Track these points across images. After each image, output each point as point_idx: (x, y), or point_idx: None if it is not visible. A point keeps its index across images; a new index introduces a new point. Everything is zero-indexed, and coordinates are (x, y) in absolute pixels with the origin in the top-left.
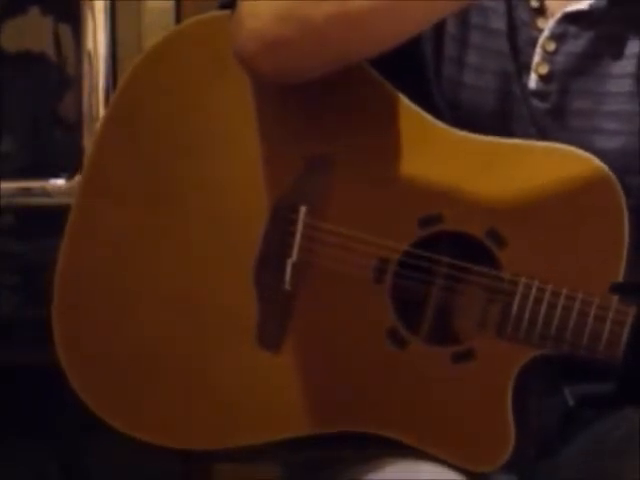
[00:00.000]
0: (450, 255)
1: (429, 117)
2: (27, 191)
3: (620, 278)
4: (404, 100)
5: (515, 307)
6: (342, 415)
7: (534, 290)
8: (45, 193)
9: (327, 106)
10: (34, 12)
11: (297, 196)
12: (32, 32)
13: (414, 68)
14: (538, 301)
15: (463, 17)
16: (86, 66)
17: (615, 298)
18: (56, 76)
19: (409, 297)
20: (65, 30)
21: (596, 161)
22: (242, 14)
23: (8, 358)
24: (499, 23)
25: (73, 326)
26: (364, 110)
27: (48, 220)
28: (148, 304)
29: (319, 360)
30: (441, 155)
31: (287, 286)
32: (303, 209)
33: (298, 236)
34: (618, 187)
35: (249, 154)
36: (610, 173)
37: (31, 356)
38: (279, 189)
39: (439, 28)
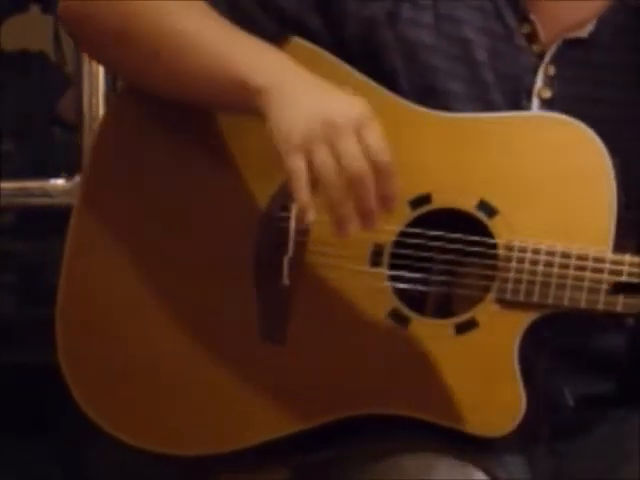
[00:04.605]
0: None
1: (403, 100)
2: (27, 191)
3: (610, 235)
4: (376, 85)
5: (512, 271)
6: (351, 399)
7: (529, 252)
8: (45, 193)
9: None
10: (35, 11)
11: (287, 196)
12: (32, 31)
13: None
14: (534, 262)
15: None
16: (86, 66)
17: (609, 249)
18: (56, 75)
19: (407, 277)
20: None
21: (579, 124)
22: None
23: (8, 358)
24: (482, 55)
25: (77, 340)
26: None
27: (48, 220)
28: (150, 315)
29: (323, 349)
30: (423, 136)
31: (285, 281)
32: (295, 206)
33: (292, 232)
34: (602, 147)
35: (241, 163)
36: (593, 133)
37: (31, 356)
38: (270, 193)
39: (412, 55)
